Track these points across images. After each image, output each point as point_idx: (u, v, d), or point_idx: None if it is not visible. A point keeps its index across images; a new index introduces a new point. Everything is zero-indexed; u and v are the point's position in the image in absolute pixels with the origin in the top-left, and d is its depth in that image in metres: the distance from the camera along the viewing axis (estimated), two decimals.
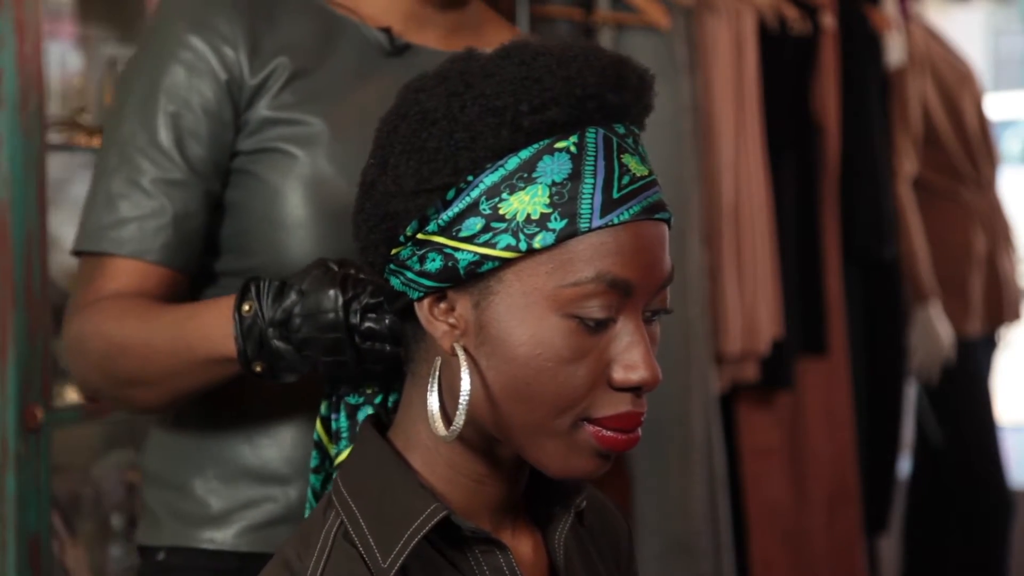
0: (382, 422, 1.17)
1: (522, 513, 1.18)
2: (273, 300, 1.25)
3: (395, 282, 1.10)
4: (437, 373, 1.09)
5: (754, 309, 3.14)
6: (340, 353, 1.22)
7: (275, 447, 1.41)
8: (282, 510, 1.40)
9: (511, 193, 1.05)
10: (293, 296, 1.24)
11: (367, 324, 1.21)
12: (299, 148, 1.36)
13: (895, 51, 3.68)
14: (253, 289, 1.26)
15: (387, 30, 1.41)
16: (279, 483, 1.40)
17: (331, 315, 1.22)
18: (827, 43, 3.41)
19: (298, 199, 1.35)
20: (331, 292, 1.23)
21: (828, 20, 3.41)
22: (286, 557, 1.11)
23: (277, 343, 1.24)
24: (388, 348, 1.21)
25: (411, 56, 1.41)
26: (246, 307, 1.26)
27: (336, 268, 1.25)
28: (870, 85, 3.54)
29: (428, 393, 1.09)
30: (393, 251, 1.09)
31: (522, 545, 1.16)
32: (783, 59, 3.28)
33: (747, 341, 3.13)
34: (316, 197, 1.35)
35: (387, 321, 1.20)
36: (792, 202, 3.35)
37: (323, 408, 1.26)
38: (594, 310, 1.05)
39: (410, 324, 1.13)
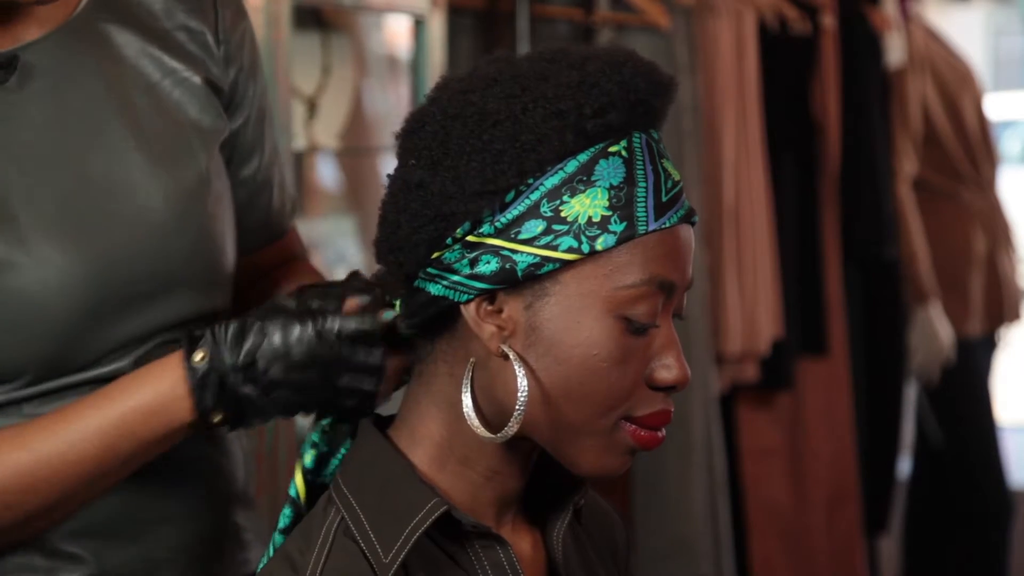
0: (381, 419, 1.17)
1: (521, 510, 1.18)
2: (232, 344, 1.15)
3: (434, 288, 1.09)
4: (470, 374, 1.10)
5: (754, 309, 3.14)
6: (314, 392, 1.16)
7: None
8: None
9: (572, 196, 1.06)
10: (253, 337, 1.15)
11: (345, 355, 1.14)
12: None
13: (895, 51, 3.68)
14: (207, 336, 1.16)
15: None
16: (69, 560, 1.24)
17: (299, 351, 1.15)
18: (827, 43, 3.41)
19: (9, 289, 1.19)
20: (296, 324, 1.15)
21: (828, 20, 3.41)
22: (288, 552, 1.11)
23: (242, 389, 1.15)
24: (367, 385, 1.15)
25: (25, 69, 1.23)
26: (198, 356, 1.15)
27: (294, 301, 1.16)
28: (870, 85, 3.54)
29: (462, 394, 1.09)
30: (435, 254, 1.09)
31: (521, 541, 1.16)
32: (783, 59, 3.27)
33: (747, 341, 3.13)
34: (19, 277, 1.19)
35: (371, 359, 1.15)
36: (792, 202, 3.35)
37: (308, 460, 1.19)
38: (643, 312, 1.07)
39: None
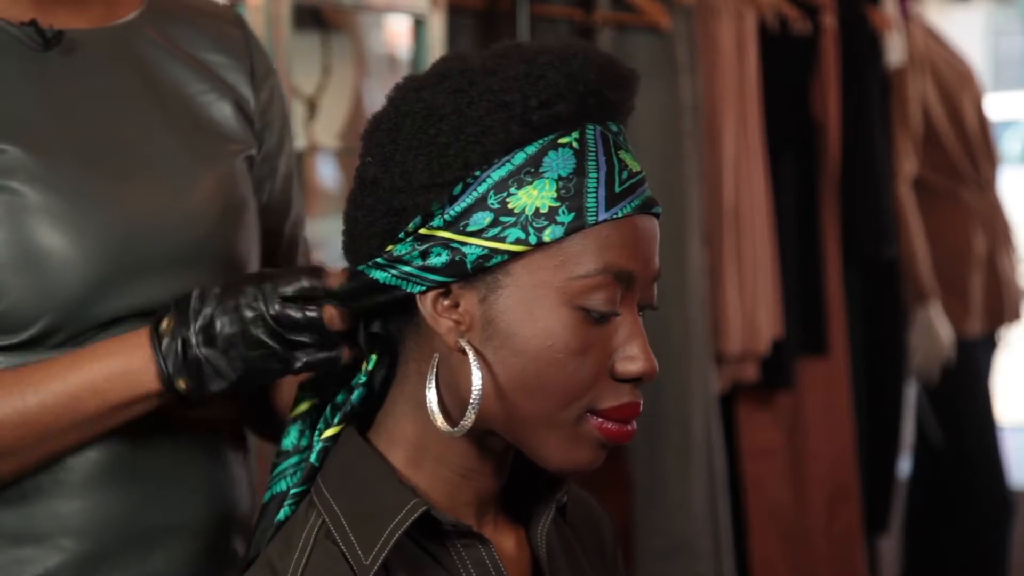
0: (362, 422, 1.18)
1: (504, 508, 1.18)
2: (194, 310, 1.21)
3: (381, 276, 1.11)
4: (435, 369, 1.10)
5: (754, 309, 3.14)
6: (265, 346, 1.20)
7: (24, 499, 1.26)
8: (40, 572, 1.25)
9: (519, 187, 1.07)
10: (213, 300, 1.21)
11: (286, 311, 1.19)
12: (5, 180, 1.23)
13: (895, 51, 3.68)
14: (172, 305, 1.23)
15: (33, 24, 1.29)
16: (36, 543, 1.26)
17: (249, 311, 1.20)
18: (827, 43, 3.41)
19: (35, 231, 1.23)
20: (249, 288, 1.21)
21: (828, 20, 3.41)
22: (269, 558, 1.12)
23: (201, 350, 1.20)
24: (308, 338, 1.19)
25: (69, 43, 1.30)
26: (164, 324, 1.22)
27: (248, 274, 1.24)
28: (870, 85, 3.54)
29: (427, 390, 1.10)
30: (388, 247, 1.10)
31: (505, 540, 1.17)
32: (784, 59, 3.27)
33: (747, 341, 3.13)
34: (49, 224, 1.24)
35: (308, 313, 1.19)
36: (792, 202, 3.35)
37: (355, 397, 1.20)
38: (600, 302, 1.07)
39: (393, 323, 1.14)
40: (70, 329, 1.24)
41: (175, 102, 1.34)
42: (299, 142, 2.80)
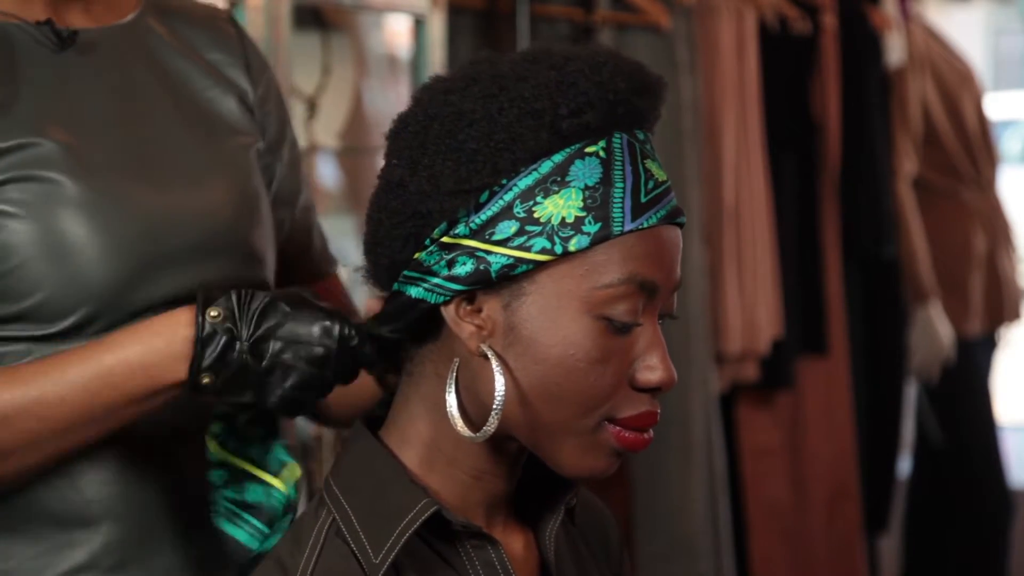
0: (372, 420, 1.18)
1: (513, 510, 1.18)
2: (256, 317, 1.17)
3: (413, 291, 1.10)
4: (455, 373, 1.10)
5: (754, 309, 3.14)
6: (312, 390, 1.18)
7: (74, 485, 1.26)
8: (86, 557, 1.27)
9: (546, 196, 1.06)
10: (278, 317, 1.18)
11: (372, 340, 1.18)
12: (41, 171, 1.25)
13: (895, 51, 3.68)
14: (231, 297, 1.18)
15: (48, 23, 1.30)
16: (82, 526, 1.27)
17: (320, 349, 1.17)
18: (827, 43, 3.41)
19: (70, 222, 1.24)
20: (323, 323, 1.18)
21: (828, 20, 3.41)
22: (279, 555, 1.12)
23: (247, 357, 1.17)
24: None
25: (83, 43, 1.32)
26: (213, 313, 1.17)
27: (315, 298, 1.20)
28: (870, 85, 3.54)
29: (447, 394, 1.10)
30: (416, 254, 1.09)
31: (513, 542, 1.17)
32: (784, 59, 3.28)
33: (747, 341, 3.14)
34: (84, 214, 1.25)
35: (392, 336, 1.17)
36: (792, 202, 3.35)
37: (217, 428, 1.23)
38: (623, 312, 1.07)
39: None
40: (108, 318, 1.25)
41: (185, 98, 1.37)
42: (299, 142, 2.80)
